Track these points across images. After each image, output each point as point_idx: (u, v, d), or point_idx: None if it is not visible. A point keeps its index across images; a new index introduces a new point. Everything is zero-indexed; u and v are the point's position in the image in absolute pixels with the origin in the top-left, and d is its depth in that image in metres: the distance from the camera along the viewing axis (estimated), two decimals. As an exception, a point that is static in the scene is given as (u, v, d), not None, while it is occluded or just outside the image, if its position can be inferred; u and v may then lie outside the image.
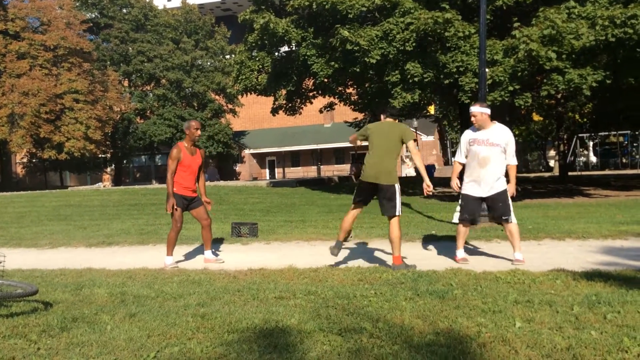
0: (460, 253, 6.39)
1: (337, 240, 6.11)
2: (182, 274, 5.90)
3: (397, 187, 5.92)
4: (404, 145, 6.05)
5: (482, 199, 6.30)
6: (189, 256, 7.62)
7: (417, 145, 7.10)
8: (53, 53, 34.43)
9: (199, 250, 7.72)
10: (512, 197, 6.25)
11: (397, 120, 6.26)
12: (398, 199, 5.91)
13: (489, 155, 6.14)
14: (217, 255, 7.29)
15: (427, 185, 6.01)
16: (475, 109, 6.24)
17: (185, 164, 6.71)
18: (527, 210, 12.42)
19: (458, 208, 6.52)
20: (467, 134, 6.38)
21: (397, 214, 5.90)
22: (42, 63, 33.80)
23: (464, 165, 6.39)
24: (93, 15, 43.89)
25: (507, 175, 6.29)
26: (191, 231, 9.32)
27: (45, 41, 33.98)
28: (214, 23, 47.52)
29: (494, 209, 6.27)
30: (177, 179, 6.68)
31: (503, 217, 6.15)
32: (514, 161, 6.28)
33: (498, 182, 6.18)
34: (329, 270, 5.80)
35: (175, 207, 6.61)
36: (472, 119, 6.22)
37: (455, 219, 6.96)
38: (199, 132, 6.85)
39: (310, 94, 21.26)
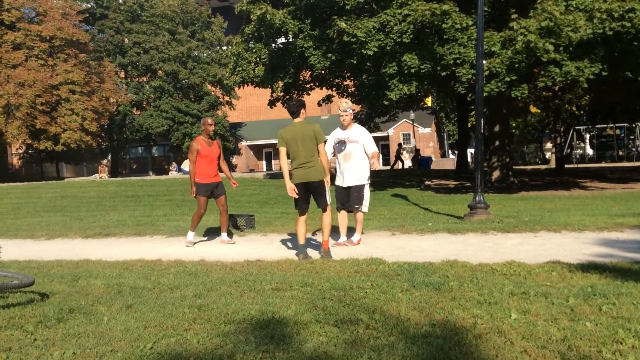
0: (342, 238, 7.38)
1: (299, 245, 6.38)
2: (179, 265, 5.90)
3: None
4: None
5: (344, 188, 7.49)
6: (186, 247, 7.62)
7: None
8: (49, 44, 34.21)
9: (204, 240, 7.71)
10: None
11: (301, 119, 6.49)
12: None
13: (350, 151, 7.26)
14: (230, 237, 8.15)
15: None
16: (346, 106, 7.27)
17: (203, 155, 7.67)
18: (523, 203, 12.45)
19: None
20: (334, 134, 7.41)
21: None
22: (38, 54, 33.60)
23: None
24: (89, 6, 43.58)
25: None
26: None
27: (41, 32, 33.77)
28: (210, 14, 47.20)
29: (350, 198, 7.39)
30: (198, 169, 7.67)
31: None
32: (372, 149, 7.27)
33: (359, 174, 7.34)
34: (325, 262, 5.81)
35: (196, 194, 7.66)
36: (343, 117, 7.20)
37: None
38: (212, 127, 7.90)
39: (308, 85, 21.19)
